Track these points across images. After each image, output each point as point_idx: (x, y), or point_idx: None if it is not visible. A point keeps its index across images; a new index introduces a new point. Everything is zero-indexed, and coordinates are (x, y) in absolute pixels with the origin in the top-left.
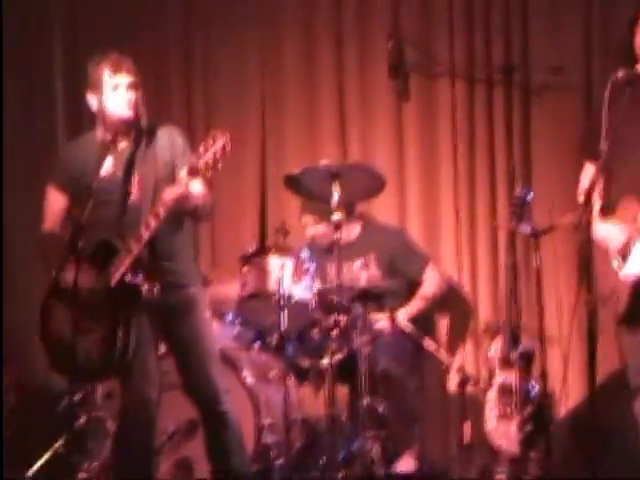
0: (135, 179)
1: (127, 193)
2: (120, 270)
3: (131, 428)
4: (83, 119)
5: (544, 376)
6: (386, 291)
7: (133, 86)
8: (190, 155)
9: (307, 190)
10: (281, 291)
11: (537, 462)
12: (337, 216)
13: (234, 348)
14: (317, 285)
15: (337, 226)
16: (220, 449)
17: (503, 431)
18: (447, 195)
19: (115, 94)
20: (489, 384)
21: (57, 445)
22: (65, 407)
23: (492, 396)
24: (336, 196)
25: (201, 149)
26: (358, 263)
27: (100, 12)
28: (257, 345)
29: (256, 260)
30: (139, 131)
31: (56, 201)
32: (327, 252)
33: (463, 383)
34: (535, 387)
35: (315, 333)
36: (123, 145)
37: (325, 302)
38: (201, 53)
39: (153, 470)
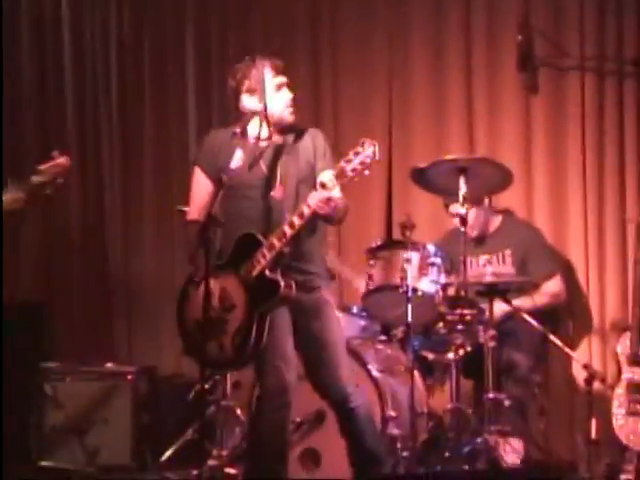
0: (278, 177)
1: (270, 190)
2: (262, 264)
3: (269, 412)
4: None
5: None
6: (511, 287)
7: (290, 86)
8: (337, 160)
9: (434, 184)
10: (407, 284)
11: None
12: (463, 210)
13: (360, 341)
14: (443, 279)
15: (463, 220)
16: (354, 442)
17: (631, 428)
18: (575, 190)
19: (278, 94)
20: (617, 381)
21: (188, 432)
22: (196, 395)
23: (620, 392)
24: (463, 190)
25: (351, 155)
26: (484, 257)
27: (231, 15)
28: (383, 338)
29: (382, 254)
30: (289, 130)
31: (204, 185)
32: (474, 242)
33: (590, 379)
34: None
35: (441, 327)
36: (267, 142)
37: (450, 296)
38: (329, 53)
39: (287, 457)
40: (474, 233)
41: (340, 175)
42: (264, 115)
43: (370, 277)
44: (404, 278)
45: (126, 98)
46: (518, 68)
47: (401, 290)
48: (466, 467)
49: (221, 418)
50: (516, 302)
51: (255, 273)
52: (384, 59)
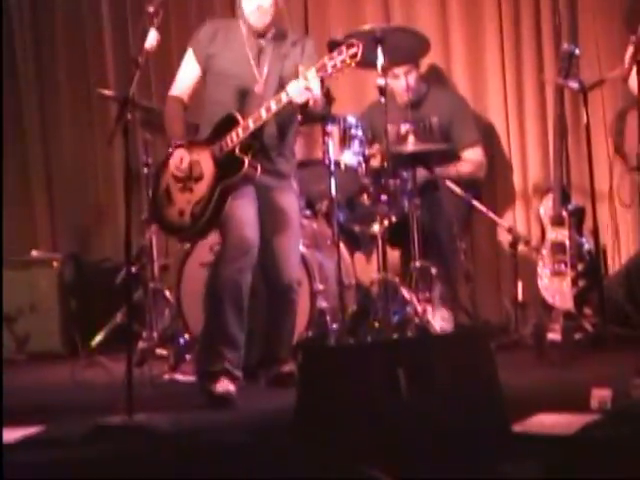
0: (264, 74)
1: (252, 84)
2: (234, 142)
3: (228, 272)
4: None
5: (595, 232)
6: (433, 155)
7: None
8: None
9: None
10: (329, 158)
11: (590, 318)
12: (381, 81)
13: None
14: (365, 150)
15: (381, 90)
16: (277, 327)
17: (556, 288)
18: (493, 53)
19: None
20: (541, 242)
21: (117, 316)
22: (123, 279)
23: (544, 254)
24: (381, 60)
25: (335, 53)
26: (406, 126)
27: None
28: (308, 213)
29: (302, 128)
30: (283, 36)
31: (192, 70)
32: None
33: (514, 243)
34: (587, 243)
35: (365, 199)
36: (261, 41)
37: (373, 168)
38: None
39: (243, 324)
40: (409, 97)
41: (321, 69)
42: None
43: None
44: (326, 152)
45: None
46: None
47: (324, 164)
48: (396, 336)
49: (149, 301)
50: (438, 170)
51: (226, 150)
52: None
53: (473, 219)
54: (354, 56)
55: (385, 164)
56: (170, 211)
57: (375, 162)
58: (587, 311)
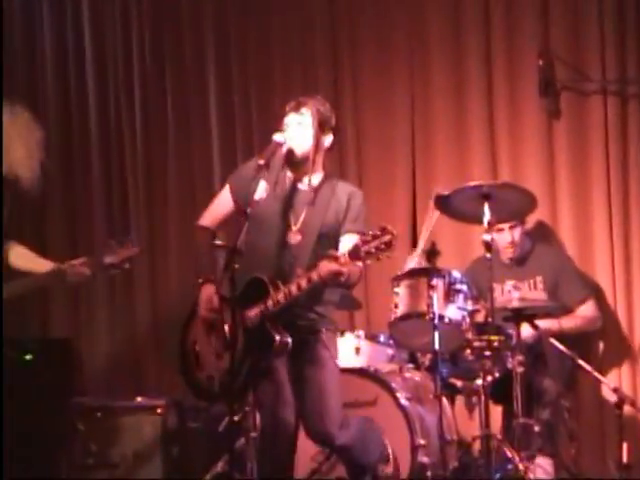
0: (299, 225)
1: (286, 229)
2: (264, 314)
3: (269, 450)
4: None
5: None
6: (539, 313)
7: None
8: (357, 236)
9: (458, 210)
10: (433, 312)
11: None
12: (487, 237)
13: (388, 369)
14: (469, 306)
15: (488, 247)
16: (350, 466)
17: None
18: (600, 215)
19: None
20: None
21: (219, 465)
22: (226, 427)
23: None
24: (487, 216)
25: (369, 236)
26: (511, 283)
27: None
28: (410, 366)
29: (408, 281)
30: (326, 179)
31: (226, 202)
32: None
33: (620, 403)
34: None
35: (468, 354)
36: (301, 186)
37: (477, 323)
38: (350, 81)
39: None
40: (514, 253)
41: (353, 255)
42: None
43: (396, 305)
44: (430, 305)
45: (149, 132)
46: (540, 93)
47: (428, 317)
48: None
49: (250, 450)
50: (542, 324)
51: (255, 321)
52: (406, 87)
53: (578, 377)
54: (389, 244)
55: (489, 319)
56: (198, 374)
57: (479, 317)
58: None
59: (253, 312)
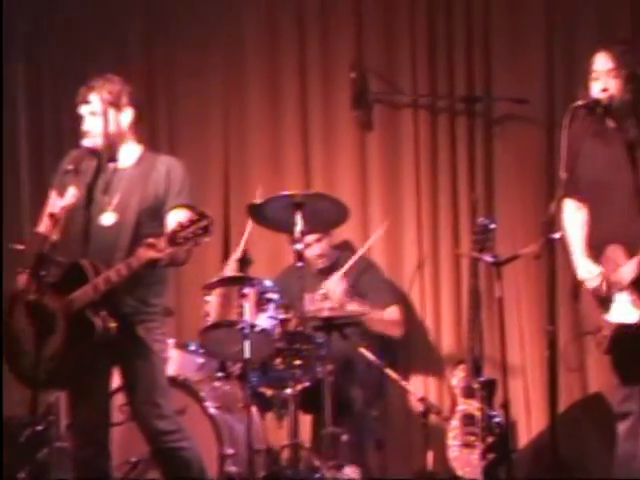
0: (115, 200)
1: (88, 216)
2: (84, 300)
3: (76, 447)
4: None
5: (506, 405)
6: (349, 320)
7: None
8: (175, 224)
9: (270, 219)
10: (244, 321)
11: None
12: (299, 246)
13: (197, 378)
14: (280, 314)
15: (299, 255)
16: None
17: (465, 459)
18: (410, 225)
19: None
20: (452, 413)
21: (20, 475)
22: (28, 437)
23: (455, 424)
24: (299, 226)
25: (185, 221)
26: (321, 292)
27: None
28: (220, 375)
29: (219, 290)
30: (141, 157)
31: (53, 204)
32: (318, 275)
33: (426, 412)
34: (497, 416)
35: (279, 362)
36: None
37: (288, 331)
38: (164, 88)
39: None
40: (324, 264)
41: (170, 241)
42: None
43: (207, 314)
44: (241, 314)
45: None
46: (352, 105)
47: (239, 326)
48: None
49: (55, 460)
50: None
51: (76, 308)
52: (220, 99)
53: (387, 386)
54: (206, 229)
55: (300, 328)
56: (23, 359)
57: (290, 326)
58: None
59: (74, 297)
